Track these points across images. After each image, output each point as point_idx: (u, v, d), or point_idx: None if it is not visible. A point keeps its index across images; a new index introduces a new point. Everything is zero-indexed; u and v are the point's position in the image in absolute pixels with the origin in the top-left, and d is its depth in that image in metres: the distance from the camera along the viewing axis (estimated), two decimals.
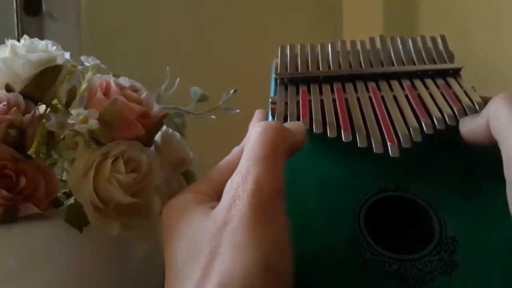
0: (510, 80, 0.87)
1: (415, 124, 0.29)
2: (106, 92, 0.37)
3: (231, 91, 0.48)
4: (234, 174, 0.25)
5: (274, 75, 0.35)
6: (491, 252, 0.27)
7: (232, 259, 0.22)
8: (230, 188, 0.25)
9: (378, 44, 0.37)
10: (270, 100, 0.33)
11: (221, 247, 0.22)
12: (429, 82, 0.33)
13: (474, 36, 0.96)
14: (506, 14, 0.90)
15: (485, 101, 0.31)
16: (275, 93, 0.34)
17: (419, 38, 0.37)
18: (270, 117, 0.32)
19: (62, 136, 0.37)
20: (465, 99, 0.31)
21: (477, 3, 0.97)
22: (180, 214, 0.26)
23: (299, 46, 0.37)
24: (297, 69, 0.35)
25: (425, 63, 0.35)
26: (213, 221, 0.24)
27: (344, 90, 0.33)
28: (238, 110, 0.48)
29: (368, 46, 0.36)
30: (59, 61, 0.38)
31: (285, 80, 0.34)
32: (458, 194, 0.29)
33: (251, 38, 1.05)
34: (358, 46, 0.37)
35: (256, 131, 0.27)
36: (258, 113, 0.35)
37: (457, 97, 0.32)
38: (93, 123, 0.34)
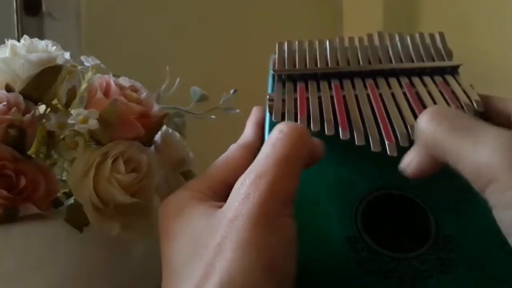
0: (510, 78, 0.87)
1: (413, 122, 0.29)
2: (106, 92, 0.38)
3: (231, 91, 0.49)
4: (248, 170, 0.25)
5: (272, 72, 0.35)
6: (488, 250, 0.27)
7: (234, 257, 0.22)
8: (242, 185, 0.24)
9: (377, 41, 0.36)
10: (268, 97, 0.33)
11: (224, 245, 0.22)
12: (427, 79, 0.33)
13: (474, 33, 0.96)
14: (507, 11, 0.90)
15: (482, 99, 0.31)
16: (272, 90, 0.34)
17: (417, 35, 0.37)
18: (267, 114, 0.32)
19: (62, 136, 0.37)
20: (463, 97, 0.31)
21: (478, 0, 0.97)
22: (178, 212, 0.26)
23: (296, 42, 0.37)
24: (294, 66, 0.35)
25: (423, 61, 0.35)
26: (218, 218, 0.24)
27: (342, 87, 0.33)
28: (238, 110, 0.48)
29: (366, 43, 0.36)
30: (59, 61, 0.38)
31: (283, 76, 0.34)
32: (455, 192, 0.28)
33: (251, 37, 1.05)
34: (356, 43, 0.36)
35: (281, 129, 0.26)
36: (255, 110, 0.34)
37: (455, 95, 0.32)
38: (93, 123, 0.35)
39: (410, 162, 0.26)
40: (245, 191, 0.23)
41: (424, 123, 0.24)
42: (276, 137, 0.25)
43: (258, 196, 0.23)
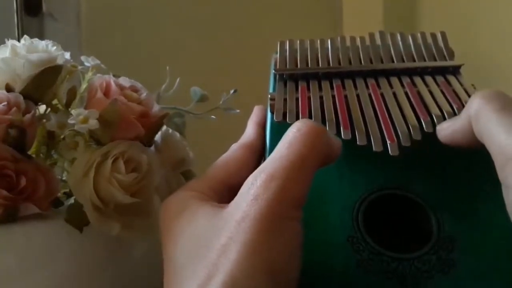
0: (511, 77, 0.87)
1: (415, 122, 0.29)
2: (106, 92, 0.38)
3: (231, 91, 0.48)
4: (259, 170, 0.24)
5: (273, 71, 0.35)
6: (489, 250, 0.27)
7: (238, 259, 0.21)
8: (252, 185, 0.23)
9: (378, 40, 0.36)
10: (269, 96, 0.33)
11: (229, 246, 0.22)
12: (428, 79, 0.33)
13: (476, 32, 0.96)
14: (508, 10, 0.90)
15: None
16: (274, 89, 0.34)
17: (419, 35, 0.36)
18: (269, 114, 0.32)
19: (62, 136, 0.37)
20: (464, 97, 0.31)
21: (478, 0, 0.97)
22: (180, 211, 0.26)
23: (298, 41, 0.37)
24: (296, 65, 0.35)
25: (425, 60, 0.35)
26: (224, 219, 0.23)
27: (344, 87, 0.33)
28: (238, 110, 0.48)
29: (367, 42, 0.36)
30: (59, 61, 0.38)
31: (284, 76, 0.34)
32: (456, 192, 0.28)
33: (251, 37, 1.05)
34: (358, 42, 0.36)
35: (299, 128, 0.25)
36: (257, 109, 0.34)
37: (456, 94, 0.31)
38: (93, 123, 0.34)
39: (447, 126, 0.28)
40: (255, 192, 0.23)
41: (476, 98, 0.26)
42: (293, 135, 0.24)
43: (267, 199, 0.22)
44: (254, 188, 0.23)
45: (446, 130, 0.28)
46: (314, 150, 0.24)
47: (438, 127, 0.28)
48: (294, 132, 0.24)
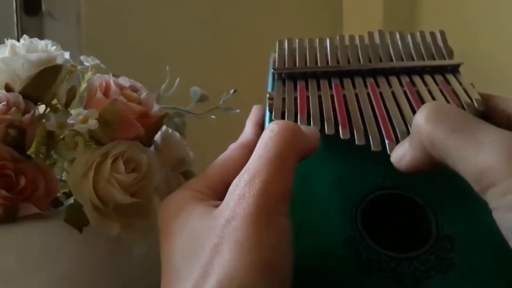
0: (510, 76, 0.87)
1: None
2: (106, 92, 0.38)
3: (231, 91, 0.48)
4: (242, 172, 0.25)
5: (272, 70, 0.35)
6: (488, 250, 0.27)
7: (232, 257, 0.22)
8: (237, 186, 0.24)
9: (377, 40, 0.36)
10: (268, 95, 0.33)
11: (222, 245, 0.22)
12: (427, 78, 0.33)
13: (476, 32, 0.96)
14: (507, 9, 0.90)
15: (483, 98, 0.31)
16: (272, 88, 0.34)
17: (418, 34, 0.36)
18: (267, 113, 0.32)
19: (61, 136, 0.37)
20: (464, 96, 0.31)
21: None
22: (178, 211, 0.26)
23: (297, 40, 0.37)
24: (295, 64, 0.35)
25: (424, 59, 0.35)
26: (215, 218, 0.24)
27: (342, 86, 0.33)
28: (238, 110, 0.48)
29: (366, 41, 0.36)
30: (59, 61, 0.38)
31: (283, 75, 0.34)
32: (455, 192, 0.28)
33: (251, 37, 1.05)
34: (357, 41, 0.36)
35: (272, 129, 0.26)
36: (255, 109, 0.34)
37: (455, 94, 0.31)
38: (93, 123, 0.34)
39: (402, 156, 0.26)
40: (240, 192, 0.24)
41: (422, 121, 0.24)
42: (267, 136, 0.25)
43: (253, 196, 0.23)
44: (239, 189, 0.24)
45: (403, 161, 0.26)
46: (289, 147, 0.25)
47: (392, 159, 0.27)
48: (268, 133, 0.26)
